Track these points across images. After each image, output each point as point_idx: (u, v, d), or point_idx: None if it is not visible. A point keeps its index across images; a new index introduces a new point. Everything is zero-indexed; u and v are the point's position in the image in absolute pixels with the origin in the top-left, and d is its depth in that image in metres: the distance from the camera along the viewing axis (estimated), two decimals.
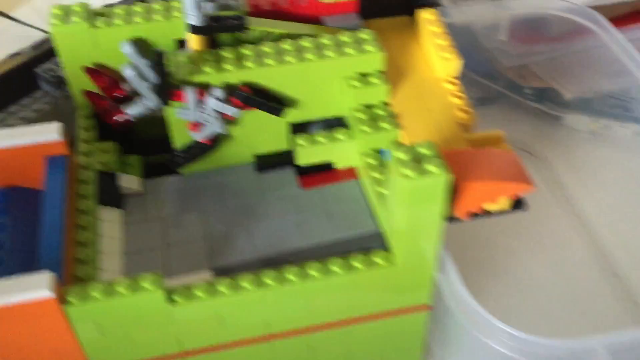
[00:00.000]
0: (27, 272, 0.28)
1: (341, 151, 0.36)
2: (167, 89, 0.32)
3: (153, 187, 0.37)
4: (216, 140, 0.35)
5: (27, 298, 0.27)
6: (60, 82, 0.46)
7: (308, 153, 0.35)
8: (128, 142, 0.39)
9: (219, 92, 0.33)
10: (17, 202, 0.35)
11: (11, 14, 0.66)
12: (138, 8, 0.37)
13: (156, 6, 0.37)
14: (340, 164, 0.37)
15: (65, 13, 0.36)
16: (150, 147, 0.39)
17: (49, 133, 0.34)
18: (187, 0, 0.32)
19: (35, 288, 0.27)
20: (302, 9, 0.38)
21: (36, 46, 0.50)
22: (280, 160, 0.37)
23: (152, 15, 0.37)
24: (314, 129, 0.37)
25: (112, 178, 0.36)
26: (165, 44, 0.37)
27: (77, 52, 0.37)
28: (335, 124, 0.37)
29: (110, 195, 0.35)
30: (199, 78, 0.33)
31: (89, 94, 0.37)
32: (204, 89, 0.33)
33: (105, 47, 0.37)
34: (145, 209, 0.36)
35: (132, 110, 0.37)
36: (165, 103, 0.33)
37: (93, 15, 0.36)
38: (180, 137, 0.36)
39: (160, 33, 0.37)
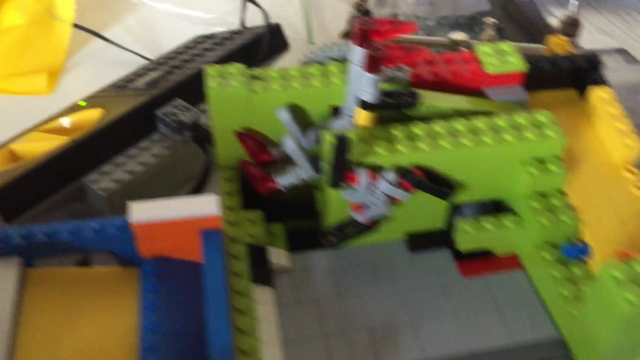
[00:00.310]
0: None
1: (506, 239, 0.34)
2: (343, 172, 0.30)
3: (301, 263, 0.35)
4: (376, 222, 0.33)
5: None
6: (181, 127, 0.45)
7: (472, 239, 0.33)
8: (270, 208, 0.37)
9: (391, 176, 0.31)
10: (168, 275, 0.33)
11: (103, 33, 0.65)
12: (294, 72, 0.35)
13: (313, 70, 0.35)
14: (501, 251, 0.34)
15: (221, 75, 0.34)
16: (292, 212, 0.37)
17: (207, 207, 0.32)
18: (366, 79, 0.30)
19: None
20: (465, 79, 0.35)
21: (151, 84, 0.49)
22: (434, 240, 0.35)
23: (309, 81, 0.35)
24: (468, 209, 0.35)
25: (262, 253, 0.34)
26: (320, 110, 0.35)
27: (230, 115, 0.35)
28: (489, 205, 0.35)
29: (262, 272, 0.33)
30: (372, 159, 0.31)
31: (244, 163, 0.35)
32: (375, 171, 0.31)
33: (260, 111, 0.35)
34: (297, 289, 0.34)
35: (285, 181, 0.35)
36: (336, 186, 0.31)
37: (250, 78, 0.34)
38: (336, 215, 0.34)
39: (317, 98, 0.35)
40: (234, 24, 0.63)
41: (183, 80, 0.47)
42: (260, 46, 0.50)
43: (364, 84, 0.31)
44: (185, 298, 0.32)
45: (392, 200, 0.32)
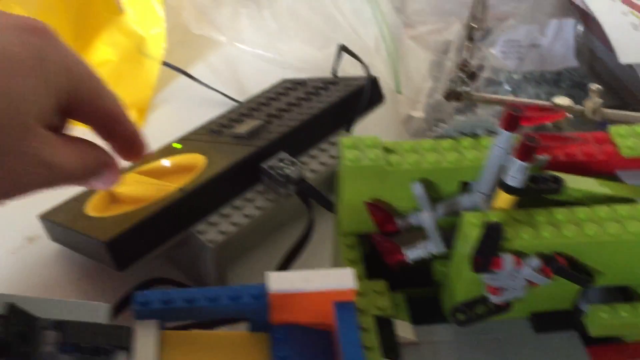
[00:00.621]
0: None
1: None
2: (490, 258, 0.30)
3: (425, 336, 0.35)
4: (509, 304, 0.33)
5: None
6: (286, 181, 0.45)
7: (606, 325, 0.33)
8: (391, 276, 0.37)
9: (535, 262, 0.31)
10: (297, 342, 0.33)
11: (188, 72, 0.66)
12: (427, 145, 0.35)
13: (445, 145, 0.35)
14: (633, 338, 0.34)
15: (356, 146, 0.35)
16: (411, 279, 0.37)
17: (344, 281, 0.32)
18: (516, 165, 0.30)
19: None
20: (598, 161, 0.35)
21: (252, 133, 0.49)
22: (561, 321, 0.35)
23: (442, 155, 0.35)
24: (593, 292, 0.35)
25: (390, 326, 0.34)
26: (450, 185, 0.36)
27: (362, 186, 0.35)
28: (614, 289, 0.35)
29: (390, 346, 0.34)
30: (516, 244, 0.31)
31: (375, 235, 0.35)
32: (519, 256, 0.31)
33: (390, 183, 0.35)
34: None
35: (413, 254, 0.35)
36: (481, 271, 0.31)
37: (384, 152, 0.35)
38: (465, 293, 0.34)
39: (448, 174, 0.35)
40: (318, 70, 0.64)
41: (287, 132, 0.48)
42: (361, 98, 0.51)
43: (511, 169, 0.31)
44: None
45: (531, 285, 0.32)
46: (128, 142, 0.37)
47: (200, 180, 0.44)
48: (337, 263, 0.43)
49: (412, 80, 0.63)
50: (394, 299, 0.36)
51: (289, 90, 0.57)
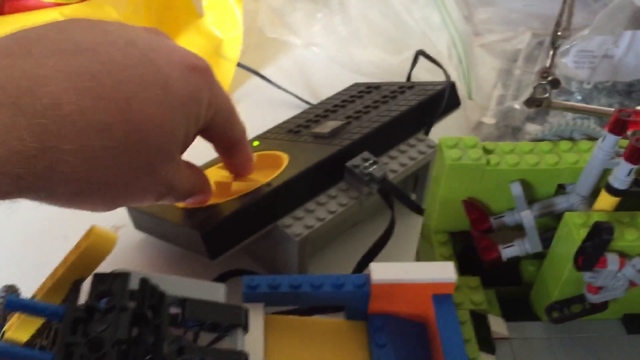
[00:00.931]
0: None
1: None
2: (597, 258, 0.31)
3: (516, 332, 0.36)
4: (606, 304, 0.34)
5: None
6: (370, 180, 0.46)
7: None
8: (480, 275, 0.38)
9: (639, 263, 0.32)
10: (394, 332, 0.34)
11: (260, 72, 0.68)
12: (525, 147, 0.36)
13: (544, 147, 0.36)
14: None
15: (457, 146, 0.36)
16: (499, 278, 0.38)
17: (445, 273, 0.33)
18: (623, 167, 0.31)
19: None
20: None
21: (333, 133, 0.51)
22: None
23: (540, 157, 0.36)
24: None
25: (485, 320, 0.35)
26: (547, 186, 0.36)
27: (460, 185, 0.36)
28: None
29: (486, 340, 0.34)
30: (621, 245, 0.32)
31: (474, 232, 0.36)
32: (623, 256, 0.32)
33: (486, 183, 0.36)
34: (516, 359, 0.35)
35: (509, 252, 0.36)
36: (586, 270, 0.32)
37: (484, 152, 0.36)
38: (563, 292, 0.35)
39: (546, 175, 0.36)
40: (388, 75, 0.65)
41: (369, 132, 0.49)
42: (440, 103, 0.52)
43: (618, 171, 0.31)
44: (411, 356, 0.33)
45: (631, 285, 0.33)
46: (242, 165, 0.43)
47: (287, 176, 0.46)
48: (420, 260, 0.44)
49: (481, 87, 0.64)
50: (487, 296, 0.37)
51: (364, 94, 0.59)
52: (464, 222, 0.37)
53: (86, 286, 0.28)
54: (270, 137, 0.57)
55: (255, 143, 0.56)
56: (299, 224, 0.44)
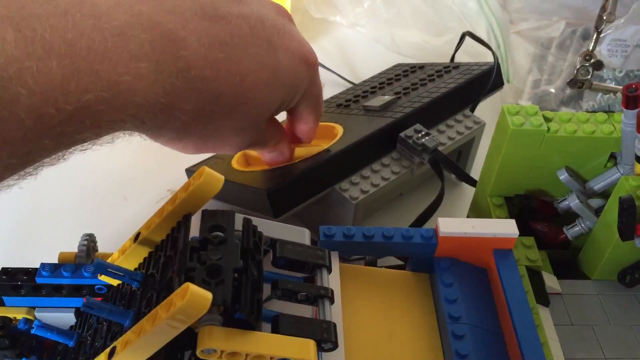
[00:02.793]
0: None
1: None
2: (633, 227, 0.34)
3: (568, 288, 0.39)
4: None
5: None
6: (422, 150, 0.49)
7: None
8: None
9: None
10: (459, 273, 0.37)
11: None
12: (582, 117, 0.39)
13: (599, 117, 0.39)
14: None
15: (519, 113, 0.39)
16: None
17: (507, 229, 0.36)
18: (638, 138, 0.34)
19: None
20: None
21: (384, 107, 0.53)
22: None
23: (597, 126, 0.39)
24: None
25: (540, 276, 0.38)
26: (602, 156, 0.39)
27: (521, 151, 0.39)
28: None
29: (541, 293, 0.37)
30: None
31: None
32: None
33: (547, 150, 0.39)
34: (568, 312, 0.38)
35: (575, 233, 0.39)
36: (628, 239, 0.34)
37: (544, 120, 0.39)
38: (614, 254, 0.37)
39: (601, 144, 0.39)
40: (429, 56, 0.68)
41: (420, 106, 0.52)
42: (487, 82, 0.54)
43: (637, 142, 0.34)
44: (476, 297, 0.36)
45: None
46: (307, 135, 0.46)
47: (345, 144, 0.48)
48: None
49: (517, 72, 0.66)
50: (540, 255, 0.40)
51: (409, 73, 0.61)
52: (519, 186, 0.40)
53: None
54: None
55: None
56: (356, 188, 0.47)
